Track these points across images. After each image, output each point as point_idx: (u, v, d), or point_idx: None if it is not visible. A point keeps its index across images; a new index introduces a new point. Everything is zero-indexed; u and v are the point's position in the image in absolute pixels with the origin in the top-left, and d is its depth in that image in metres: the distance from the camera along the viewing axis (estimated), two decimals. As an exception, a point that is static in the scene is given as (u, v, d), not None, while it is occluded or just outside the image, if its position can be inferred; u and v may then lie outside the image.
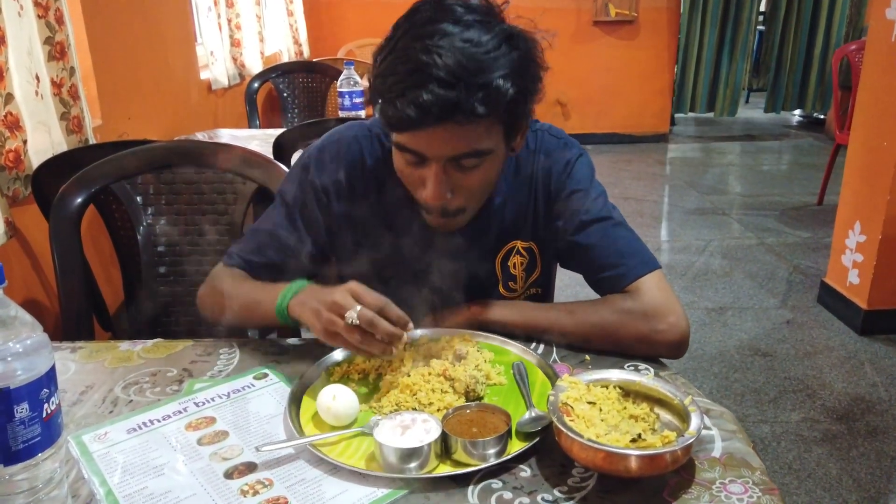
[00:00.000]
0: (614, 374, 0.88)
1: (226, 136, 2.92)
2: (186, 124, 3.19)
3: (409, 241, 1.11)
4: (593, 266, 1.10)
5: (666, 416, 0.83)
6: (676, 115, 6.89)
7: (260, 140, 2.67)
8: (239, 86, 3.86)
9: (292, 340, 1.13)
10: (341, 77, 2.53)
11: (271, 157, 1.58)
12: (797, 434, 2.27)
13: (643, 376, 0.87)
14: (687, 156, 6.09)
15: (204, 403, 0.95)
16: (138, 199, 1.55)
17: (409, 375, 0.95)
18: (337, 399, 0.87)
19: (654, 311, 1.02)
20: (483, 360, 1.01)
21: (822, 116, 6.97)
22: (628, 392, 0.87)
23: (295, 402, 0.93)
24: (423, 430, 0.81)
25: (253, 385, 0.99)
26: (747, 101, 8.12)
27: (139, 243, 1.56)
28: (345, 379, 0.99)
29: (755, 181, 5.32)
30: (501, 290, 1.18)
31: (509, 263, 1.16)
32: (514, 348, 1.05)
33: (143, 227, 1.55)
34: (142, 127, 2.69)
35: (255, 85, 3.55)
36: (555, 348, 1.07)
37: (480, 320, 1.10)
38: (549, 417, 0.81)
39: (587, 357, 1.04)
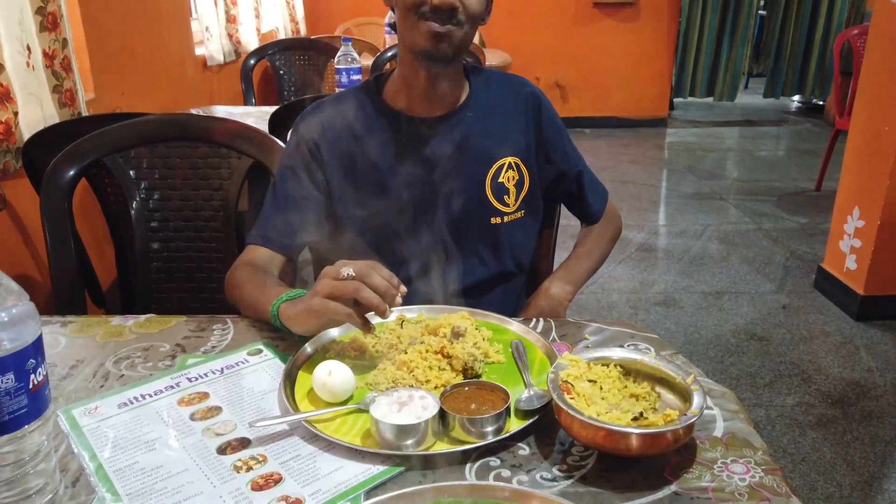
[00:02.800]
0: (615, 353, 0.86)
1: (221, 112, 2.88)
2: (181, 100, 3.14)
3: (404, 166, 1.21)
4: (584, 192, 1.37)
5: (667, 395, 0.82)
6: (675, 100, 6.85)
7: (255, 117, 2.63)
8: (235, 63, 3.81)
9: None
10: (339, 53, 2.49)
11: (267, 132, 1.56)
12: (792, 418, 2.27)
13: (644, 355, 0.85)
14: (685, 140, 6.07)
15: (197, 379, 0.93)
16: (131, 173, 1.52)
17: (406, 353, 0.93)
18: (333, 375, 0.86)
19: (619, 221, 1.46)
20: (481, 338, 0.99)
21: (821, 102, 6.94)
22: (629, 371, 0.85)
23: (290, 377, 0.91)
24: (420, 407, 0.79)
25: (247, 361, 0.98)
26: (746, 87, 8.08)
27: (132, 219, 1.53)
28: (341, 356, 0.97)
29: (753, 167, 5.30)
30: (495, 203, 1.25)
31: (502, 178, 1.25)
32: (513, 326, 1.04)
33: (137, 203, 1.52)
34: (135, 102, 2.65)
35: (251, 62, 3.51)
36: (554, 327, 1.06)
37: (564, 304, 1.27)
38: (548, 395, 0.80)
39: (587, 336, 1.02)
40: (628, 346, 0.99)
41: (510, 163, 1.25)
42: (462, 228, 1.24)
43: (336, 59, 2.50)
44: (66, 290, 1.42)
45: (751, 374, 2.52)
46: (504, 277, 1.30)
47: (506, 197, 1.26)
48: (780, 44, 6.47)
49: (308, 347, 0.98)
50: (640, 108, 6.33)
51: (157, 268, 1.55)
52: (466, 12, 1.11)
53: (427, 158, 1.22)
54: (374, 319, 0.93)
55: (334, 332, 1.01)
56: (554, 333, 1.04)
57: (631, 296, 3.14)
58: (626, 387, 0.83)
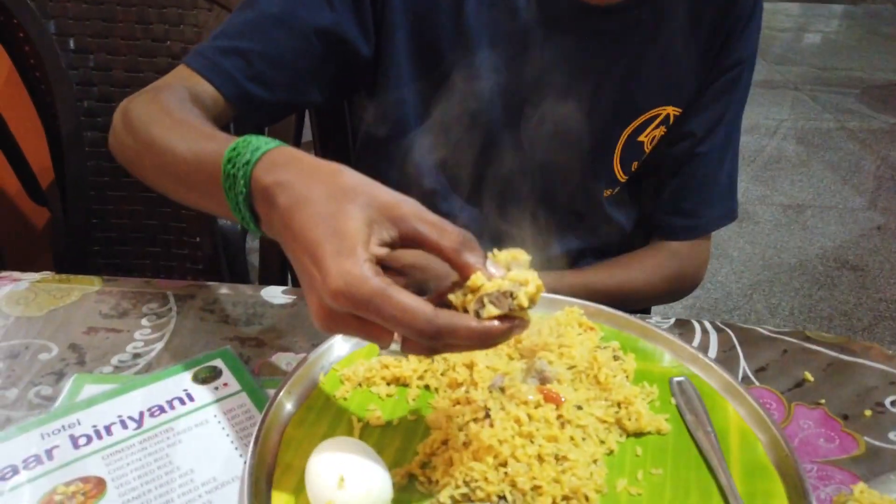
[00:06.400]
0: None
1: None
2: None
3: (521, 76, 0.70)
4: (685, 188, 0.80)
5: None
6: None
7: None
8: None
9: (275, 294, 0.66)
10: None
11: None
12: (899, 375, 1.86)
13: None
14: (750, 16, 5.30)
15: (89, 440, 0.49)
16: (51, 26, 1.02)
17: (488, 419, 0.48)
18: (347, 485, 0.41)
19: (701, 273, 0.86)
20: (622, 373, 0.54)
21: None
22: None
23: (263, 462, 0.47)
24: None
25: (189, 397, 0.53)
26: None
27: (55, 97, 1.04)
28: (363, 402, 0.53)
29: (829, 52, 4.61)
30: (618, 172, 0.78)
31: (643, 137, 0.76)
32: (668, 347, 0.58)
33: (58, 72, 1.03)
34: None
35: None
36: (739, 348, 0.60)
37: None
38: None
39: (807, 375, 0.57)
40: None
41: (667, 115, 0.74)
42: (557, 196, 0.77)
43: None
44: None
45: (845, 315, 2.08)
46: (589, 253, 0.84)
47: (635, 163, 0.78)
48: None
49: (303, 376, 0.53)
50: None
51: (97, 168, 1.08)
52: None
53: (561, 73, 0.70)
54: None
55: (342, 349, 0.56)
56: (744, 364, 0.58)
57: (696, 204, 2.66)
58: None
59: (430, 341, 0.38)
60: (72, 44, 1.03)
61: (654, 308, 0.96)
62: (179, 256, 1.12)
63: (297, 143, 1.02)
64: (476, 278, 0.39)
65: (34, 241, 1.50)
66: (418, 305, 0.37)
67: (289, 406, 0.51)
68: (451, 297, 0.40)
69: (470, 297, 0.39)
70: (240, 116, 0.69)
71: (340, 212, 0.38)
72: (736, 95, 0.77)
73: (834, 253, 2.38)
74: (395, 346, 0.40)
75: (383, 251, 0.39)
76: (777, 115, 3.46)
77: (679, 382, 0.54)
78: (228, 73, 0.65)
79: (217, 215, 0.47)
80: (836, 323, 2.05)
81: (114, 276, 1.06)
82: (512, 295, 0.39)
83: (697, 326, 0.62)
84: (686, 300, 2.10)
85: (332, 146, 1.01)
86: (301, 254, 0.39)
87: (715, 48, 0.73)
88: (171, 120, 0.55)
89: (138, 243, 1.12)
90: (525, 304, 0.39)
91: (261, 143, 0.44)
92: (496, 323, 0.39)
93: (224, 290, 0.65)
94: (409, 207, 0.40)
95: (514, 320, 0.39)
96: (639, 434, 0.50)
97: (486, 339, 0.39)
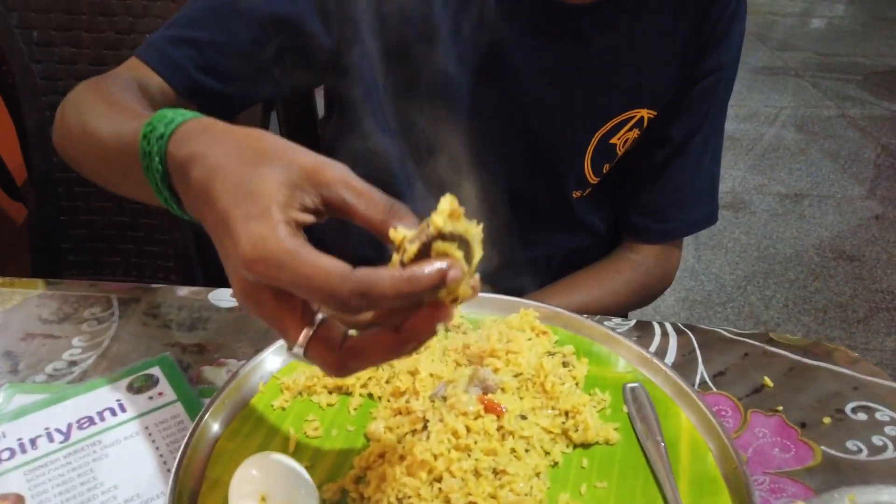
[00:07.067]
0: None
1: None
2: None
3: (488, 78, 0.68)
4: (659, 190, 0.77)
5: None
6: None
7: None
8: None
9: (223, 297, 0.63)
10: None
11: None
12: (894, 367, 1.84)
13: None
14: (751, 1, 5.24)
15: (13, 454, 0.47)
16: (14, 18, 1.00)
17: (426, 430, 0.46)
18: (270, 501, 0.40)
19: (668, 279, 0.83)
20: (571, 379, 0.52)
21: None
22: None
23: (189, 474, 0.45)
24: None
25: (122, 407, 0.51)
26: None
27: (19, 91, 1.02)
28: (302, 412, 0.51)
29: (832, 37, 4.55)
30: (589, 174, 0.75)
31: (616, 139, 0.73)
32: (623, 352, 0.56)
33: (23, 66, 1.01)
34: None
35: None
36: (699, 351, 0.58)
37: None
38: None
39: (767, 381, 0.54)
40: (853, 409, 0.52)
41: (641, 118, 0.72)
42: (525, 196, 0.75)
43: None
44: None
45: (840, 306, 2.06)
46: (562, 254, 0.82)
47: (606, 165, 0.75)
48: None
49: (241, 385, 0.51)
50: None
51: (63, 164, 1.06)
52: None
53: (531, 74, 0.68)
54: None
55: (274, 364, 0.54)
56: (702, 369, 0.56)
57: (691, 194, 2.63)
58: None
59: (350, 306, 0.33)
60: (35, 36, 1.01)
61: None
62: (151, 254, 1.10)
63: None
64: (395, 233, 0.35)
65: (14, 239, 1.48)
66: (334, 264, 0.33)
67: (223, 417, 0.49)
68: None
69: (395, 257, 0.35)
70: (196, 111, 0.67)
71: (254, 175, 0.35)
72: (715, 100, 0.75)
73: (831, 243, 2.35)
74: (297, 350, 0.36)
75: (307, 217, 0.35)
76: (777, 103, 3.41)
77: (632, 389, 0.52)
78: (178, 64, 0.64)
79: (152, 204, 0.44)
80: (831, 315, 2.02)
81: (84, 274, 1.04)
82: (428, 224, 0.34)
83: (657, 329, 0.59)
84: (679, 293, 2.07)
85: (300, 140, 0.99)
86: (215, 227, 0.36)
87: (693, 52, 0.71)
88: (105, 105, 0.54)
89: (109, 241, 1.10)
90: (440, 223, 0.34)
91: (176, 116, 0.41)
92: (422, 268, 0.33)
93: (171, 292, 0.63)
94: (335, 172, 0.36)
95: (442, 259, 0.34)
96: (586, 445, 0.48)
97: (415, 286, 0.33)
